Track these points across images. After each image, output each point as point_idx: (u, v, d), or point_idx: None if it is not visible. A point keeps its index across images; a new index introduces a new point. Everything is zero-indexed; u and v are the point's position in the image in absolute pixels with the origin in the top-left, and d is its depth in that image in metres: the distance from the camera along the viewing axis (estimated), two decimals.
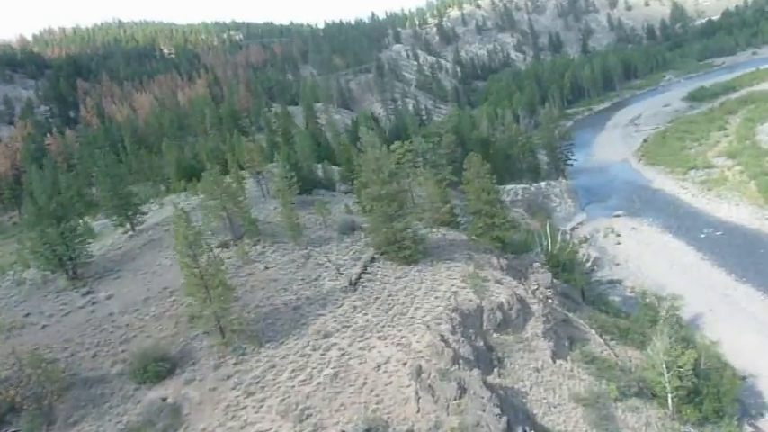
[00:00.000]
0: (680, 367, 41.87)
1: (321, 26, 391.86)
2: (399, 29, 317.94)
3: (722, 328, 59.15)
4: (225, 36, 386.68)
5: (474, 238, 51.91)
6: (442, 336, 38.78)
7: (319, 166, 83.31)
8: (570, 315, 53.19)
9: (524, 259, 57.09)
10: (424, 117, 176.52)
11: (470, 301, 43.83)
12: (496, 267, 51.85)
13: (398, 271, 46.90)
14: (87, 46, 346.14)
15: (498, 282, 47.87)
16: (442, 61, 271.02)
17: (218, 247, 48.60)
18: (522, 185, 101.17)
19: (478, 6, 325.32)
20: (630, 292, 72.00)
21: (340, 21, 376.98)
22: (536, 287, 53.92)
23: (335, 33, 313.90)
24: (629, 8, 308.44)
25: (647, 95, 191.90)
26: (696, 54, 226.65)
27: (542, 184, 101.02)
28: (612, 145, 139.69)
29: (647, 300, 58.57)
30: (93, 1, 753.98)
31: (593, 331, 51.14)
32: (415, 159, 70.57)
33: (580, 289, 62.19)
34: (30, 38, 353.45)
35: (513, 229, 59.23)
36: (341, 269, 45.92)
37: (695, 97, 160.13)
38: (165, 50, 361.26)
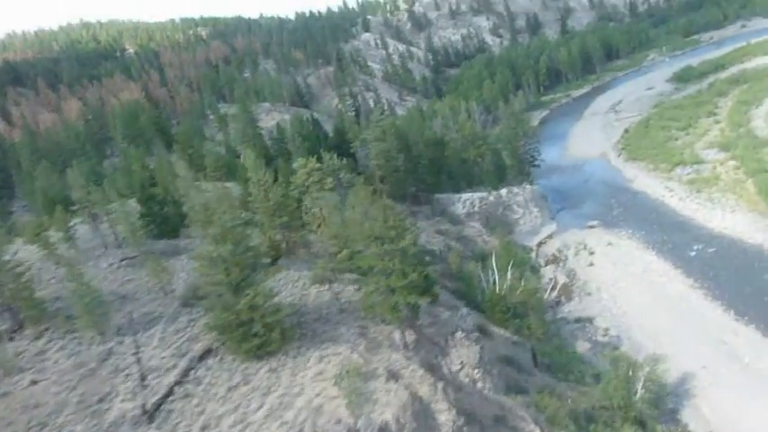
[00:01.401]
0: None
1: (292, 17, 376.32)
2: (369, 16, 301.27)
3: (719, 395, 44.18)
4: (191, 32, 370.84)
5: (366, 307, 36.54)
6: None
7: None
8: (507, 403, 38.13)
9: (446, 324, 41.75)
10: (387, 112, 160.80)
11: (338, 423, 28.71)
12: (399, 347, 36.61)
13: (239, 373, 31.63)
14: (46, 50, 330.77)
15: (393, 377, 32.71)
16: (414, 49, 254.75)
17: None
18: (480, 194, 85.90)
19: None
20: (603, 335, 57.13)
21: (310, 11, 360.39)
22: (459, 367, 38.84)
23: (300, 25, 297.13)
24: None
25: (630, 77, 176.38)
26: (681, 30, 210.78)
27: (503, 191, 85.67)
28: (590, 136, 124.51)
29: (620, 367, 43.47)
30: (71, 2, 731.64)
31: (537, 430, 36.10)
32: (324, 180, 55.10)
33: (531, 350, 47.03)
34: None
35: (428, 292, 44.07)
36: (148, 377, 30.65)
37: (681, 78, 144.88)
38: (131, 50, 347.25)
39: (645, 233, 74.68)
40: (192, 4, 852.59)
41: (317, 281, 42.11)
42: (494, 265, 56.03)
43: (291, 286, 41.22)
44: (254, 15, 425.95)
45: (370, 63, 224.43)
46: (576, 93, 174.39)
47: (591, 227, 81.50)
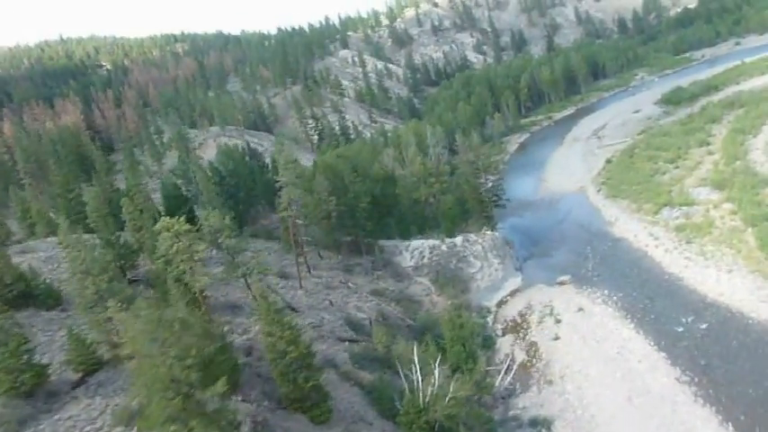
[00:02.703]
0: None
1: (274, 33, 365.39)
2: (350, 33, 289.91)
3: None
4: (168, 49, 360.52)
5: None
6: None
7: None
8: None
9: None
10: (352, 136, 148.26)
11: None
12: None
13: None
14: (15, 67, 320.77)
15: None
16: (393, 67, 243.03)
17: None
18: (431, 242, 72.69)
19: (435, 5, 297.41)
20: None
21: (292, 27, 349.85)
22: None
23: (279, 42, 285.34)
24: None
25: (616, 98, 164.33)
26: (672, 47, 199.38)
27: (458, 239, 72.36)
28: (569, 166, 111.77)
29: None
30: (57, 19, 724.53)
31: None
32: (193, 249, 41.63)
33: None
34: None
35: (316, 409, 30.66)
36: None
37: (670, 100, 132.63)
38: (107, 66, 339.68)
39: (623, 296, 61.41)
40: (181, 20, 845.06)
41: (121, 422, 28.51)
42: (416, 360, 42.45)
43: None
44: (236, 31, 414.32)
45: (345, 82, 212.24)
46: (559, 115, 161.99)
47: (561, 283, 68.36)
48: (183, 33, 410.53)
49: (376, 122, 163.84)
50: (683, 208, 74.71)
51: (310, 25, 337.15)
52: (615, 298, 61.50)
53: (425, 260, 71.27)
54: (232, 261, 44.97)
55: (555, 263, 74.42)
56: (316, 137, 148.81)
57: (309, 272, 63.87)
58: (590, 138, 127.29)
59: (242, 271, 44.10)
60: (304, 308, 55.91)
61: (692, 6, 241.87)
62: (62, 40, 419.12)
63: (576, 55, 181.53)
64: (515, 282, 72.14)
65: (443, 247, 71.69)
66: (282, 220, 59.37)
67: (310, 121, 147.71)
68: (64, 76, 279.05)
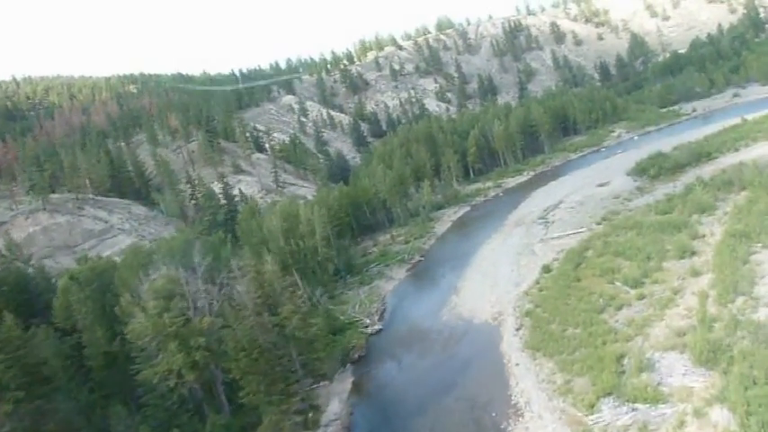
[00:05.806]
0: None
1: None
2: (306, 76, 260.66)
3: None
4: (122, 90, 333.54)
5: None
6: None
7: None
8: None
9: None
10: (238, 208, 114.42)
11: None
12: None
13: None
14: None
15: None
16: (340, 115, 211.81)
17: None
18: None
19: (400, 48, 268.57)
20: None
21: (248, 69, 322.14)
22: None
23: (223, 84, 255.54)
24: (578, 43, 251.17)
25: (585, 161, 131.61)
26: (657, 98, 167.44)
27: None
28: (496, 271, 77.60)
29: None
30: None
31: None
32: None
33: None
34: None
35: None
36: None
37: (646, 170, 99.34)
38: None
39: None
40: (165, 61, 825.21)
41: None
42: None
43: None
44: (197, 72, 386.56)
45: (277, 134, 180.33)
46: (512, 181, 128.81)
47: None
48: (142, 74, 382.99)
49: (284, 186, 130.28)
50: (639, 406, 39.93)
51: (270, 66, 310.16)
52: None
53: None
54: None
55: None
56: (193, 207, 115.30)
57: None
58: (536, 222, 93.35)
59: None
60: None
61: (682, 51, 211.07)
62: (14, 80, 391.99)
63: (538, 107, 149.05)
64: None
65: None
66: None
67: (184, 187, 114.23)
68: None
